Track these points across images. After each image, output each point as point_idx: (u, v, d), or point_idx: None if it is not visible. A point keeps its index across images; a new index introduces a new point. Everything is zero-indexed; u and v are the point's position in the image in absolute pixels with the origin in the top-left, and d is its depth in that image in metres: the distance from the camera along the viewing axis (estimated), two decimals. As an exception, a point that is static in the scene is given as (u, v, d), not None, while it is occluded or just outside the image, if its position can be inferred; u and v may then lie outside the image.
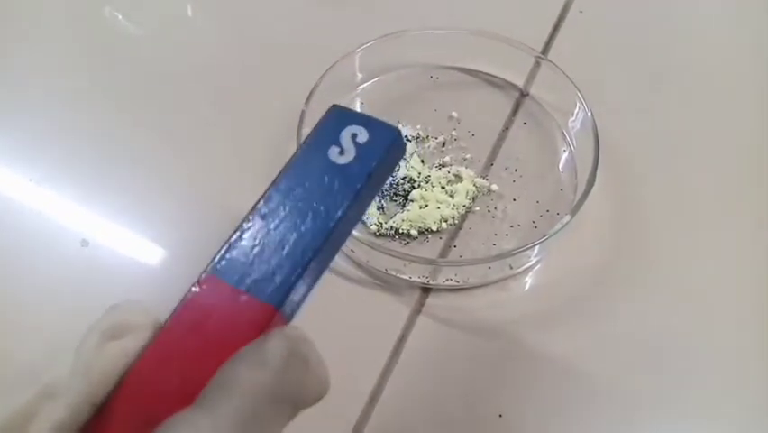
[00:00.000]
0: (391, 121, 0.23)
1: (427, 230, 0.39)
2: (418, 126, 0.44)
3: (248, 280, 0.20)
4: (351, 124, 0.23)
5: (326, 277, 0.38)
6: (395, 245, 0.39)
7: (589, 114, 0.40)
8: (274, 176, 0.22)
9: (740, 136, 0.44)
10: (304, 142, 0.23)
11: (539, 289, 0.38)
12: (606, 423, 0.33)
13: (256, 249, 0.20)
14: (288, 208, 0.21)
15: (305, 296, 0.21)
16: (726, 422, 0.34)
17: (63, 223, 0.41)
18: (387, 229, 0.39)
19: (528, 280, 0.38)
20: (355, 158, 0.22)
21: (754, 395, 0.34)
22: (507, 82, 0.46)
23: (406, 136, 0.43)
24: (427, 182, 0.41)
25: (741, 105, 0.45)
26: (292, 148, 0.39)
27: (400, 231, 0.39)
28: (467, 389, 0.35)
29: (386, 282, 0.38)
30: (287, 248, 0.20)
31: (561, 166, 0.42)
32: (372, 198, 0.24)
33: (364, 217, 0.39)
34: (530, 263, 0.38)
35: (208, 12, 0.53)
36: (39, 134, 0.45)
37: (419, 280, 0.37)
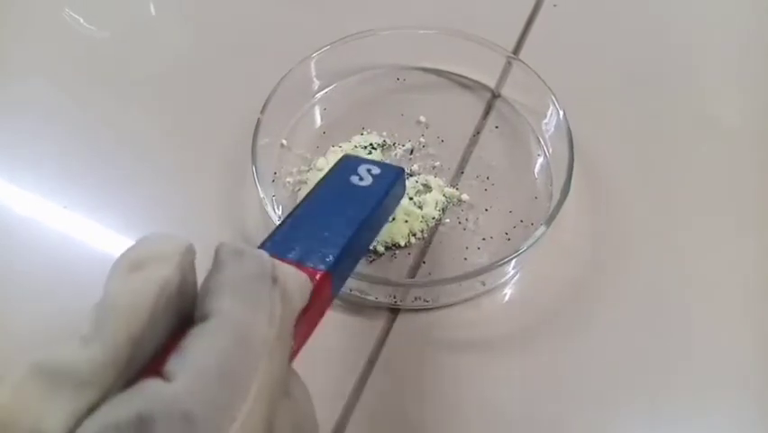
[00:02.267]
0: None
1: (395, 245, 0.37)
2: (384, 133, 0.41)
3: (296, 253, 0.23)
4: (364, 164, 0.30)
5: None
6: (361, 263, 0.36)
7: (563, 116, 0.37)
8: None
9: (720, 137, 0.42)
10: (323, 178, 0.29)
11: (513, 305, 0.36)
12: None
13: (300, 234, 0.24)
14: (322, 211, 0.26)
15: (343, 277, 0.25)
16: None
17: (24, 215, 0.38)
18: (352, 246, 0.37)
19: (502, 296, 0.36)
20: (373, 182, 0.29)
21: (737, 408, 0.32)
22: (478, 83, 0.44)
23: (371, 144, 0.40)
24: (394, 193, 0.38)
25: (721, 105, 0.43)
26: (246, 157, 0.36)
27: (366, 247, 0.36)
28: (438, 413, 0.32)
29: (351, 304, 0.35)
30: (329, 232, 0.25)
31: (535, 172, 0.40)
32: (389, 214, 0.31)
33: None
34: (504, 279, 0.36)
35: (170, 13, 0.50)
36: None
37: (386, 300, 0.35)
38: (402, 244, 0.37)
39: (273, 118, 0.39)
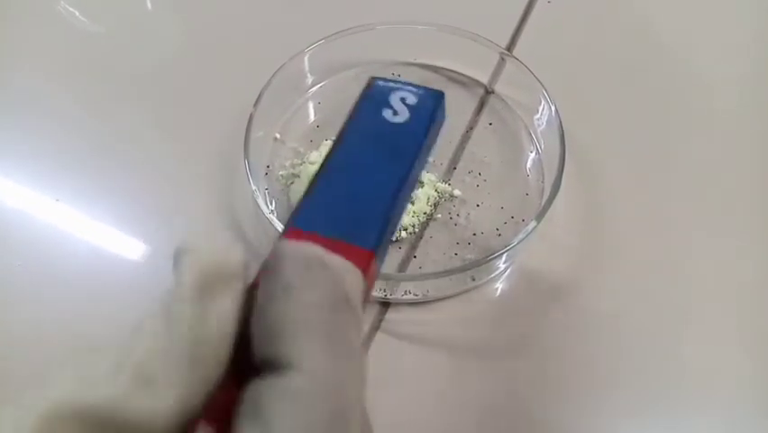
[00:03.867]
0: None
1: (386, 240, 0.37)
2: (378, 128, 0.41)
3: (337, 228, 0.19)
4: (396, 90, 0.24)
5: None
6: (351, 257, 0.36)
7: (554, 112, 0.38)
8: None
9: (713, 133, 0.42)
10: (353, 111, 0.24)
11: (504, 301, 0.36)
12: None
13: (337, 200, 0.20)
14: (358, 163, 0.22)
15: (387, 243, 0.21)
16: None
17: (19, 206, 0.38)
18: (343, 240, 0.37)
19: (492, 291, 0.36)
20: (411, 117, 0.23)
21: (731, 408, 0.33)
22: (472, 79, 0.44)
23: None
24: (386, 188, 0.38)
25: (714, 101, 0.43)
26: (239, 151, 0.36)
27: (357, 241, 0.37)
28: (428, 408, 0.33)
29: (342, 297, 0.36)
30: (368, 196, 0.20)
31: (527, 168, 0.40)
32: (427, 158, 0.25)
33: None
34: (494, 274, 0.36)
35: (165, 7, 0.50)
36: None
37: (377, 294, 0.35)
38: (393, 238, 0.37)
39: (266, 112, 0.39)
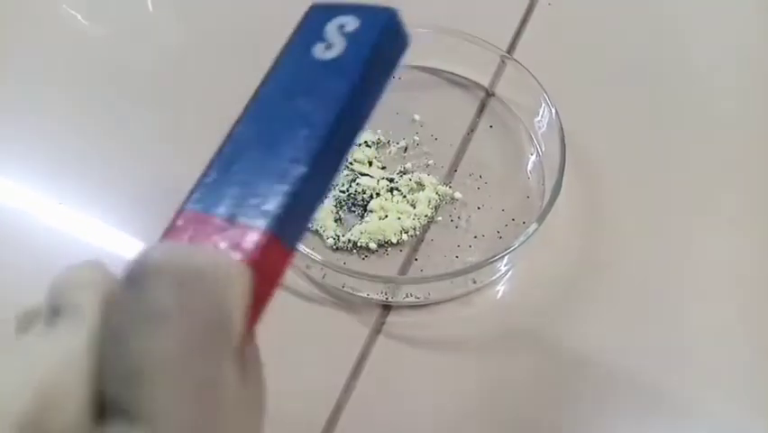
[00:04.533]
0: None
1: (387, 242, 0.37)
2: (379, 130, 0.41)
3: (235, 209, 0.16)
4: (336, 16, 0.19)
5: (279, 295, 0.35)
6: (353, 260, 0.37)
7: (555, 114, 0.38)
8: None
9: (714, 136, 0.42)
10: (280, 52, 0.19)
11: (505, 303, 0.36)
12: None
13: (240, 174, 0.16)
14: (271, 123, 0.17)
15: (305, 222, 0.17)
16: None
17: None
18: (344, 242, 0.37)
19: (493, 294, 0.36)
20: (345, 49, 0.18)
21: (731, 408, 0.33)
22: (473, 81, 0.44)
23: (365, 142, 0.40)
24: (388, 191, 0.38)
25: (715, 104, 0.43)
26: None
27: (358, 244, 0.37)
28: (429, 410, 0.33)
29: (343, 300, 0.36)
30: (277, 164, 0.16)
31: (528, 171, 0.40)
32: (378, 95, 0.19)
33: (320, 230, 0.37)
34: (495, 277, 0.36)
35: (167, 10, 0.50)
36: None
37: (378, 297, 0.35)
38: (394, 241, 0.37)
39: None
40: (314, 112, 0.17)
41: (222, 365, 0.13)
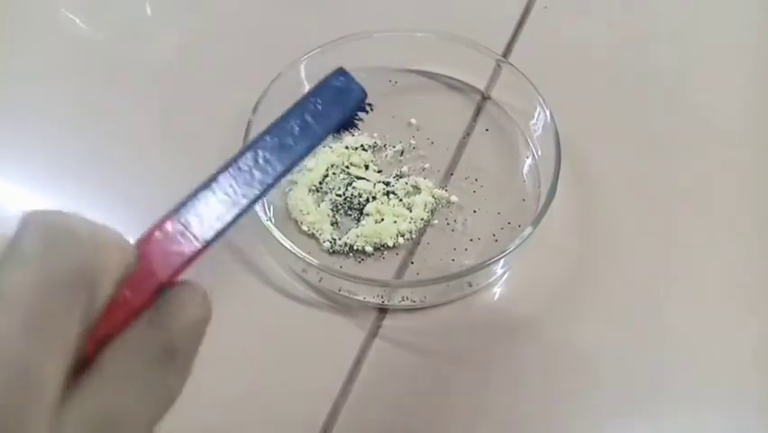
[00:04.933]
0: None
1: (383, 246, 0.37)
2: (375, 134, 0.41)
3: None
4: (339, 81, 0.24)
5: (276, 298, 0.35)
6: (349, 263, 0.37)
7: (550, 118, 0.38)
8: None
9: (708, 138, 0.42)
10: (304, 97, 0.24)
11: (500, 306, 0.36)
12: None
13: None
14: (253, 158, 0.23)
15: (219, 223, 0.21)
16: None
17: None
18: (341, 246, 0.37)
19: (490, 297, 0.36)
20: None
21: (729, 408, 0.33)
22: (469, 85, 0.44)
23: (362, 145, 0.41)
24: (384, 194, 0.38)
25: (710, 106, 0.44)
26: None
27: (355, 247, 0.37)
28: (426, 413, 0.33)
29: (339, 304, 0.36)
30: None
31: (524, 174, 0.40)
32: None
33: (317, 234, 0.37)
34: (491, 280, 0.36)
35: (165, 13, 0.51)
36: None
37: (374, 300, 0.35)
38: (390, 244, 0.37)
39: (264, 119, 0.39)
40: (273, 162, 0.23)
41: (74, 315, 0.15)
